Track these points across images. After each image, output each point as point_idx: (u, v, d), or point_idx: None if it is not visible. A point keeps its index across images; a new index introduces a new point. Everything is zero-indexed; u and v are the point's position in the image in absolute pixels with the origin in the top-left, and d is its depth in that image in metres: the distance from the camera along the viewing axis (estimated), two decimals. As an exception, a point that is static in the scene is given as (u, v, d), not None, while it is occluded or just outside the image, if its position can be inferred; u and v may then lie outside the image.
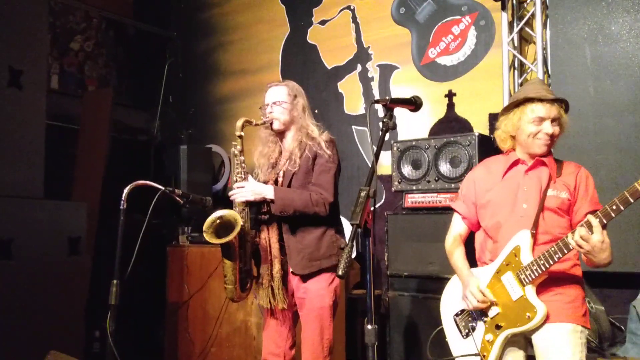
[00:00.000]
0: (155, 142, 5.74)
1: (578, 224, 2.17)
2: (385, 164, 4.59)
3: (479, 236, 2.57)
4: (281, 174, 2.70)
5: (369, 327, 1.48)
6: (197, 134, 5.75)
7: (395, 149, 4.07)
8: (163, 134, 5.79)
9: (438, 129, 4.37)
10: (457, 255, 2.53)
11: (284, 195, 2.56)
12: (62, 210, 3.32)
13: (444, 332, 2.63)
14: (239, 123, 2.64)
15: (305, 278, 2.60)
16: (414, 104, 1.92)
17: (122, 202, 2.23)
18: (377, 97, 4.76)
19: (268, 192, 2.56)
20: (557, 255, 2.18)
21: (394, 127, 1.74)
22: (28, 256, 3.04)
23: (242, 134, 2.64)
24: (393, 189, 4.10)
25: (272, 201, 2.56)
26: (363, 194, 1.54)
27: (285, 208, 2.54)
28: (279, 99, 2.72)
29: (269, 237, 2.64)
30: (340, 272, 1.44)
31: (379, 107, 4.73)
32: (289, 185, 2.64)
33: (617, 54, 3.54)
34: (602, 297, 3.51)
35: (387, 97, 1.83)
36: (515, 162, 2.49)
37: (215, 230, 2.53)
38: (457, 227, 2.62)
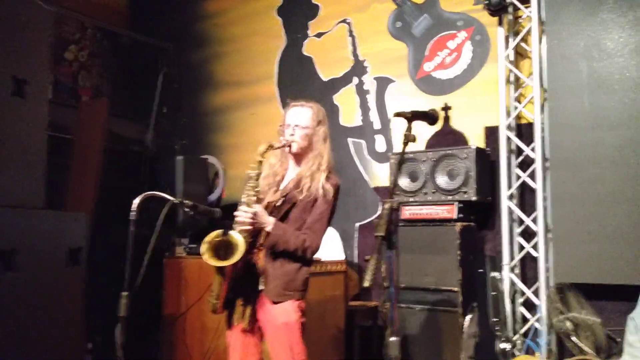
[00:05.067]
0: (149, 152, 5.70)
1: None
2: (382, 176, 4.62)
3: None
4: (282, 197, 2.68)
5: (393, 339, 1.48)
6: (191, 145, 5.73)
7: (392, 161, 4.10)
8: (157, 144, 5.76)
9: (435, 142, 4.41)
10: None
11: (281, 232, 2.55)
12: (62, 221, 3.29)
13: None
14: (262, 148, 2.57)
15: (273, 302, 2.59)
16: (431, 117, 1.94)
17: (132, 211, 2.21)
18: (373, 110, 4.79)
19: (269, 224, 2.54)
20: None
21: (414, 139, 1.76)
22: (29, 267, 3.00)
23: (264, 159, 2.59)
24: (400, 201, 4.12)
25: (267, 234, 2.55)
26: (387, 206, 1.55)
27: (277, 245, 2.55)
28: (303, 123, 2.68)
29: (256, 258, 2.63)
30: (366, 284, 1.45)
31: (375, 120, 4.78)
32: (288, 211, 2.63)
33: (613, 69, 3.61)
34: (598, 309, 3.55)
35: (408, 111, 1.85)
36: None
37: (215, 245, 2.49)
38: None
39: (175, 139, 5.72)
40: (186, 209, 2.36)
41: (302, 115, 2.70)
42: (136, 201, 2.24)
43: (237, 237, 2.46)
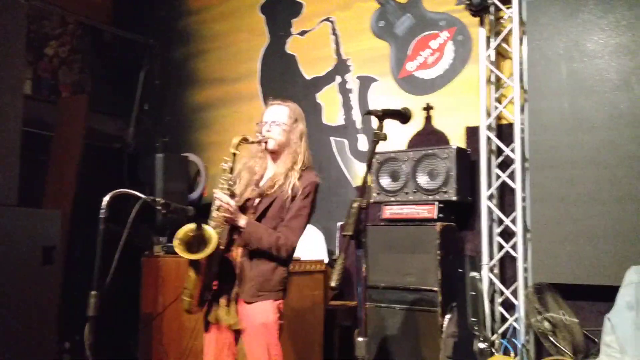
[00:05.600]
0: (130, 149, 5.65)
1: None
2: (363, 175, 4.61)
3: None
4: (259, 194, 2.65)
5: (360, 339, 1.46)
6: (173, 142, 5.68)
7: (374, 160, 4.10)
8: (138, 141, 5.71)
9: (416, 142, 4.41)
10: None
11: (254, 230, 2.53)
12: (36, 219, 3.23)
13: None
14: (235, 140, 2.55)
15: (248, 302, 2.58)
16: (404, 116, 1.93)
17: (102, 209, 2.17)
18: (356, 108, 4.78)
19: (241, 221, 2.52)
20: None
21: (385, 138, 1.74)
22: (3, 265, 2.94)
23: (237, 152, 2.56)
24: (371, 200, 4.12)
25: (240, 231, 2.53)
26: (355, 204, 1.53)
27: (250, 243, 2.53)
28: (279, 119, 2.68)
29: (235, 256, 2.61)
30: (333, 284, 1.43)
31: (358, 119, 4.76)
32: (266, 210, 2.61)
33: (592, 71, 3.63)
34: (576, 309, 3.57)
35: (379, 109, 1.83)
36: None
37: (187, 243, 2.46)
38: None
39: (157, 136, 5.66)
40: (158, 207, 2.32)
41: (279, 113, 2.70)
42: (106, 199, 2.20)
43: (210, 230, 2.44)
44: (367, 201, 1.54)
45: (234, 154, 2.54)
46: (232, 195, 2.56)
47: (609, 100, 3.56)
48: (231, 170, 2.54)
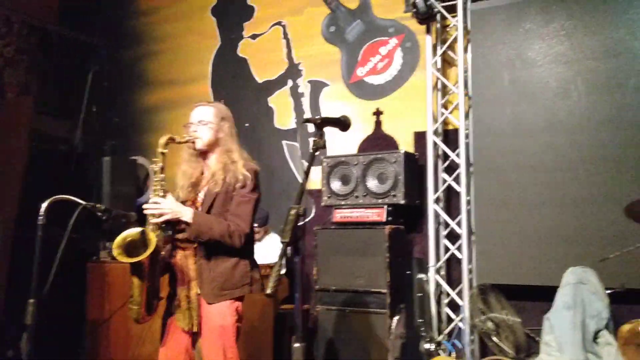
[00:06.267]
0: (77, 152, 5.51)
1: None
2: (314, 179, 4.64)
3: None
4: (202, 194, 2.66)
5: (297, 345, 1.48)
6: (122, 145, 5.57)
7: (325, 164, 4.13)
8: (85, 144, 5.57)
9: (366, 146, 4.47)
10: None
11: (202, 221, 2.51)
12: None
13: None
14: (162, 140, 2.57)
15: (210, 303, 2.57)
16: (342, 124, 1.95)
17: (40, 216, 2.12)
18: (307, 112, 4.81)
19: (186, 214, 2.50)
20: None
21: (324, 146, 1.77)
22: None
23: (166, 151, 2.57)
24: (322, 203, 4.15)
25: (187, 224, 2.51)
26: (293, 212, 1.55)
27: (201, 234, 2.51)
28: (206, 118, 2.68)
29: (185, 258, 2.59)
30: (268, 291, 1.44)
31: (310, 124, 4.78)
32: (211, 206, 2.60)
33: (533, 79, 3.76)
34: (518, 309, 3.68)
35: (317, 117, 1.86)
36: None
37: (125, 248, 2.43)
38: None
39: (105, 138, 5.54)
40: (99, 213, 2.28)
41: (205, 113, 2.71)
42: (44, 205, 2.15)
43: (149, 233, 2.42)
44: (304, 208, 1.56)
45: (163, 154, 2.54)
46: (167, 192, 2.54)
47: (549, 107, 3.69)
48: (162, 170, 2.54)
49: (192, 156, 2.72)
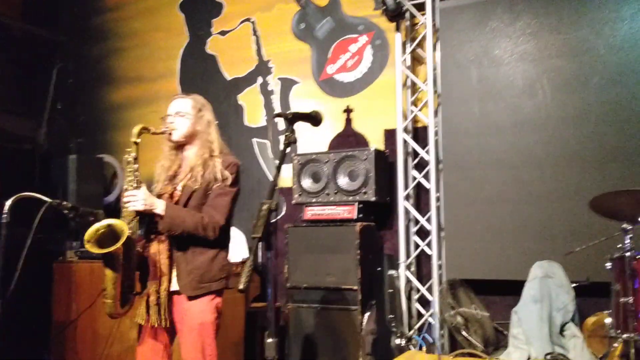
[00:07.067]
0: (41, 151, 5.38)
1: None
2: (285, 177, 4.62)
3: None
4: (179, 188, 2.62)
5: (269, 340, 1.48)
6: (88, 143, 5.45)
7: (295, 162, 4.12)
8: (50, 142, 5.45)
9: (337, 143, 4.48)
10: None
11: (174, 214, 2.48)
12: None
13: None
14: (136, 129, 2.51)
15: (190, 297, 2.54)
16: (314, 119, 1.95)
17: (3, 214, 2.07)
18: (277, 110, 4.79)
19: (159, 206, 2.47)
20: None
21: (295, 141, 1.76)
22: None
23: (139, 140, 2.52)
24: (293, 201, 4.14)
25: (160, 217, 2.47)
26: (264, 207, 1.54)
27: (173, 227, 2.47)
28: (183, 110, 2.65)
29: (158, 252, 2.55)
30: (241, 286, 1.43)
31: (280, 120, 4.77)
32: (187, 201, 2.57)
33: (500, 77, 3.82)
34: (487, 303, 3.75)
35: (288, 112, 1.85)
36: None
37: (98, 239, 2.38)
38: None
39: (71, 136, 5.43)
40: (65, 211, 2.23)
41: (182, 104, 2.68)
42: (8, 203, 2.09)
43: (120, 223, 2.38)
44: (276, 203, 1.55)
45: (136, 143, 2.50)
46: (140, 183, 2.50)
47: (515, 105, 3.76)
48: (135, 160, 2.50)
49: (171, 149, 2.68)
